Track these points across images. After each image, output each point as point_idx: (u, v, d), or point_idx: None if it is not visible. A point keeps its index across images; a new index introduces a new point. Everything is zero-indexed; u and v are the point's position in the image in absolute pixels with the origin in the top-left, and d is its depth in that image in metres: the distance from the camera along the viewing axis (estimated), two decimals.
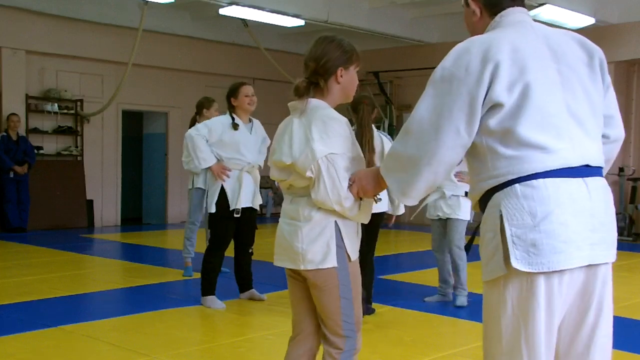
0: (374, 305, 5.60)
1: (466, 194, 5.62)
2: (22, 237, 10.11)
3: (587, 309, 2.07)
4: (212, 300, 5.61)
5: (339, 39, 2.73)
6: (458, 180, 5.70)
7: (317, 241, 2.62)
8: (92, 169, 11.95)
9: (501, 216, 2.03)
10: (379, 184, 2.41)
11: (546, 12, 9.17)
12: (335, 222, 2.65)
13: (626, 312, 5.53)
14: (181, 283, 6.72)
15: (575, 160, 2.05)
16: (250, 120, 5.70)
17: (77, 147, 11.80)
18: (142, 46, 10.36)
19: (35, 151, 10.93)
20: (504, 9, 2.22)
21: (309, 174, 2.58)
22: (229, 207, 5.50)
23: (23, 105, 11.02)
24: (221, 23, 12.23)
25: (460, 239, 5.77)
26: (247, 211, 5.59)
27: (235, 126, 5.56)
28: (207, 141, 5.59)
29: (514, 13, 2.21)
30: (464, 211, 5.76)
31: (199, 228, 7.06)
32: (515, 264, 1.99)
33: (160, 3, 10.25)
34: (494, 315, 2.08)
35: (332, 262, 2.64)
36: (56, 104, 11.35)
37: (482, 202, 2.16)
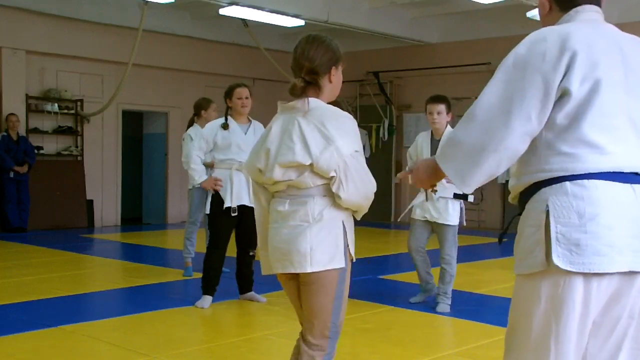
0: (375, 304, 5.61)
1: (454, 196, 5.50)
2: (22, 237, 10.11)
3: (620, 317, 2.05)
4: (203, 299, 5.60)
5: (329, 39, 2.74)
6: (446, 182, 5.53)
7: (326, 241, 2.62)
8: (92, 169, 11.95)
9: (547, 212, 2.01)
10: (436, 174, 2.30)
11: None
12: (342, 221, 2.65)
13: None
14: (181, 283, 6.72)
15: (626, 165, 2.03)
16: (249, 121, 5.69)
17: (77, 147, 11.81)
18: (142, 46, 10.37)
19: (36, 151, 10.93)
20: (579, 4, 2.19)
21: (332, 173, 2.58)
22: (222, 205, 5.49)
23: (23, 105, 11.03)
24: (221, 23, 12.24)
25: (451, 247, 5.59)
26: (245, 210, 5.56)
27: (225, 126, 5.55)
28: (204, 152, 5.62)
29: (589, 11, 2.18)
30: (453, 216, 5.55)
31: (199, 228, 7.06)
32: (556, 261, 1.97)
33: (160, 3, 10.25)
34: (525, 310, 2.07)
35: (340, 262, 2.63)
36: (56, 104, 11.36)
37: (525, 194, 2.13)
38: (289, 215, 2.66)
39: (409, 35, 12.41)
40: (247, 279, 5.83)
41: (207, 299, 5.61)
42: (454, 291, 5.85)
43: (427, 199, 5.55)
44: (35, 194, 10.90)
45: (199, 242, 7.11)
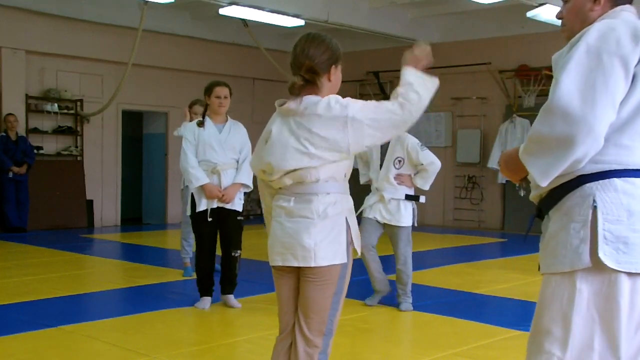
0: (375, 304, 5.61)
1: (406, 197, 5.45)
2: (22, 237, 10.11)
3: None
4: (202, 301, 5.59)
5: (329, 38, 2.73)
6: (398, 183, 5.48)
7: (330, 237, 2.63)
8: (92, 169, 11.95)
9: (595, 208, 1.97)
10: (523, 169, 2.13)
11: (546, 12, 9.17)
12: (346, 218, 2.66)
13: None
14: (181, 283, 6.72)
15: None
16: (226, 120, 5.59)
17: (77, 147, 11.80)
18: (142, 46, 10.36)
19: (35, 151, 10.92)
20: (628, 2, 2.19)
21: (372, 141, 2.62)
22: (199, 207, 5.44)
23: (23, 105, 11.02)
24: (221, 23, 12.23)
25: (405, 247, 5.51)
26: (223, 212, 5.49)
27: (200, 124, 5.50)
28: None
29: (631, 11, 2.17)
30: (406, 217, 5.47)
31: None
32: (604, 259, 1.94)
33: (160, 3, 10.24)
34: (563, 310, 2.01)
35: (342, 258, 2.65)
36: (56, 104, 11.35)
37: (563, 189, 2.07)
38: (293, 211, 2.67)
39: (409, 35, 12.40)
40: (228, 281, 5.67)
41: (205, 300, 5.60)
42: (454, 291, 5.86)
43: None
44: (35, 194, 10.90)
45: None
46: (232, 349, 4.52)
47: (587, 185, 2.01)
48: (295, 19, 10.70)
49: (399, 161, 5.46)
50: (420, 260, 8.50)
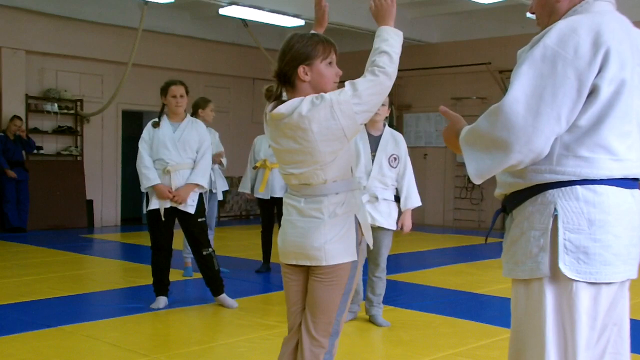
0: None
1: (395, 198, 5.11)
2: (22, 237, 10.11)
3: (610, 323, 2.01)
4: (156, 301, 5.57)
5: (298, 35, 2.67)
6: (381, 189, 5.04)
7: (340, 235, 2.64)
8: (92, 169, 11.95)
9: (556, 216, 1.93)
10: (459, 150, 2.15)
11: None
12: (355, 216, 2.67)
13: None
14: (181, 283, 6.72)
15: (633, 172, 1.97)
16: (184, 119, 5.53)
17: (77, 147, 11.81)
18: (142, 46, 10.36)
19: (35, 151, 10.92)
20: None
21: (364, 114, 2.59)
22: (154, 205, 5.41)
23: (23, 105, 11.02)
24: (221, 23, 12.23)
25: (386, 252, 5.14)
26: (181, 215, 5.47)
27: (155, 124, 5.47)
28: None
29: (607, 1, 2.04)
30: (394, 219, 5.06)
31: None
32: (563, 269, 1.91)
33: (160, 3, 10.25)
34: (532, 320, 1.99)
35: (352, 255, 2.66)
36: (56, 104, 11.36)
37: (524, 193, 2.03)
38: (304, 210, 2.69)
39: (409, 35, 12.40)
40: (212, 280, 5.61)
41: (160, 300, 5.57)
42: (454, 291, 5.86)
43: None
44: (34, 194, 10.90)
45: None
46: (232, 349, 4.52)
47: (549, 192, 1.96)
48: (295, 19, 10.71)
49: (395, 159, 5.07)
50: (420, 260, 8.52)
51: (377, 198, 4.94)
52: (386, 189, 5.01)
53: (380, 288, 5.13)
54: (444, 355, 4.39)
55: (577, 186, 1.93)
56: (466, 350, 4.49)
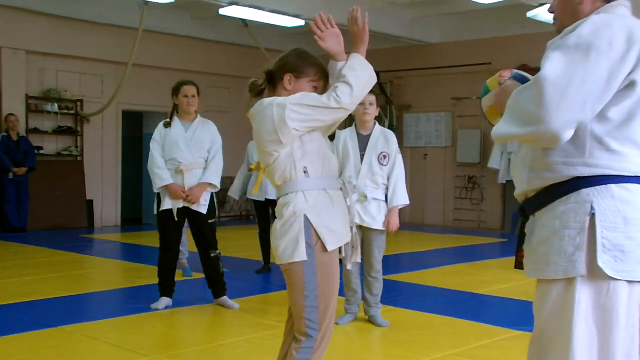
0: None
1: (387, 197, 5.02)
2: (22, 237, 10.11)
3: (634, 323, 2.01)
4: (159, 301, 5.56)
5: (303, 50, 2.82)
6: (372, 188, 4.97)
7: (287, 236, 2.68)
8: (92, 169, 11.95)
9: (592, 215, 1.93)
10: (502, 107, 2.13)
11: (546, 12, 9.15)
12: (305, 216, 2.66)
13: None
14: (181, 283, 6.70)
15: None
16: (195, 119, 5.55)
17: (77, 147, 11.81)
18: (142, 46, 10.36)
19: (35, 151, 10.92)
20: None
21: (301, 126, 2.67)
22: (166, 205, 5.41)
23: (23, 105, 11.02)
24: (221, 23, 12.23)
25: (380, 253, 5.05)
26: (192, 215, 5.46)
27: (166, 124, 5.48)
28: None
29: (625, 6, 2.08)
30: (383, 219, 4.97)
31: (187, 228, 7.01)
32: (603, 267, 1.91)
33: (160, 3, 10.25)
34: (559, 320, 1.98)
35: (300, 255, 2.66)
36: (56, 104, 11.36)
37: (554, 192, 2.02)
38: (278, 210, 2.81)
39: (409, 35, 12.41)
40: (215, 282, 5.61)
41: (162, 300, 5.56)
42: (454, 291, 5.85)
43: None
44: (34, 194, 10.90)
45: (193, 243, 7.08)
46: (232, 349, 4.52)
47: (584, 190, 1.96)
48: (295, 19, 10.70)
49: (384, 156, 4.99)
50: (420, 260, 8.52)
51: (366, 197, 4.90)
52: (377, 188, 4.96)
53: (377, 288, 5.08)
54: (444, 355, 4.39)
55: (611, 184, 1.94)
56: (466, 350, 4.49)
